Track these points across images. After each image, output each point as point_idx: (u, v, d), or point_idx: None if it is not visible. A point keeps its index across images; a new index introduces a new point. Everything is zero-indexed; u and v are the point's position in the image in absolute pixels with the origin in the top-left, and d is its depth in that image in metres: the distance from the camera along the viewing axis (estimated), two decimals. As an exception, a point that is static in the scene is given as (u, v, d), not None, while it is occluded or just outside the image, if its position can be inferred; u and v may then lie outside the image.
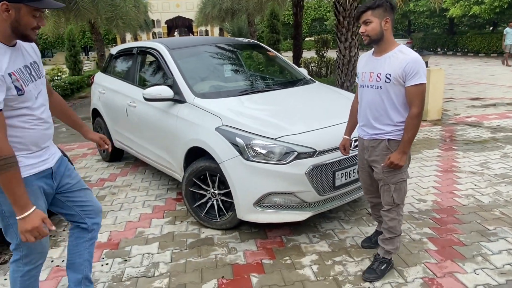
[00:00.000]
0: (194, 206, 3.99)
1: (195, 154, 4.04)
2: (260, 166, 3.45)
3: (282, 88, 4.64)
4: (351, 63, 8.85)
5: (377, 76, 2.84)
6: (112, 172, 5.83)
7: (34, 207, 2.05)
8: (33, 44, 2.32)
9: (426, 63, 8.95)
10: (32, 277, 2.41)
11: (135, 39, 33.44)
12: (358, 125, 3.11)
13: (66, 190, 2.48)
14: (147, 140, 4.73)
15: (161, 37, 41.71)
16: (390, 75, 2.76)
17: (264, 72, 5.49)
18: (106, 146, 2.86)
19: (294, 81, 4.99)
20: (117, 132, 5.60)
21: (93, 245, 2.70)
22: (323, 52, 14.32)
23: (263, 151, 3.46)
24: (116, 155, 6.20)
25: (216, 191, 3.84)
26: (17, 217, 2.03)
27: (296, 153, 3.44)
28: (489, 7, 22.94)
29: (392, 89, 2.79)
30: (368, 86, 2.93)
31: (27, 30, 2.08)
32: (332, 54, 15.33)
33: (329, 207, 3.66)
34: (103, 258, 3.54)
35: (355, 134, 3.35)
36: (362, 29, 2.80)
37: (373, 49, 2.96)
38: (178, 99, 4.17)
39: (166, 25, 45.85)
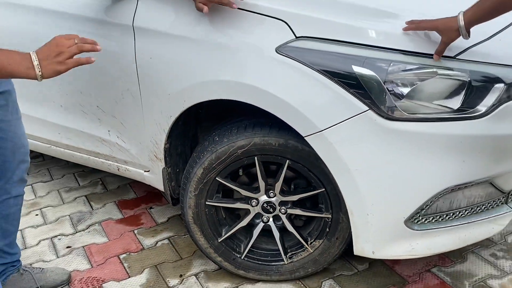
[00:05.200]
0: (220, 239, 1.67)
1: (197, 118, 1.74)
2: (424, 130, 1.34)
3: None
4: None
5: None
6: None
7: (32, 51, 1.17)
8: None
9: None
10: None
11: None
12: None
13: None
14: (44, 103, 1.92)
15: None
16: None
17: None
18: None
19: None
20: None
21: (6, 203, 1.58)
22: None
23: (419, 90, 1.35)
24: None
25: (276, 199, 1.59)
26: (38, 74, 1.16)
27: (502, 87, 1.39)
28: None
29: None
30: None
31: None
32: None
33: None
34: None
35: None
36: None
37: None
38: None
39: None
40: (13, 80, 1.46)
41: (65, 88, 1.85)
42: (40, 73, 1.15)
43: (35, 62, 1.14)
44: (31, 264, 1.80)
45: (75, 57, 1.20)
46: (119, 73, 1.65)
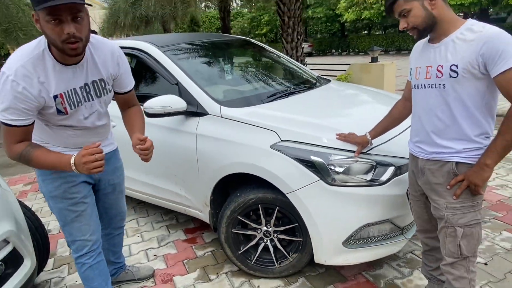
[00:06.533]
0: (240, 252, 2.78)
1: (228, 182, 2.87)
2: (351, 192, 2.38)
3: (309, 90, 3.47)
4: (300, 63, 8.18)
5: (437, 70, 1.88)
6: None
7: (73, 154, 1.85)
8: (117, 54, 2.08)
9: (376, 58, 8.49)
10: (85, 265, 2.26)
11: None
12: (410, 139, 2.15)
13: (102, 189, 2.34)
14: (146, 173, 3.29)
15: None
16: (457, 66, 1.80)
17: (276, 72, 4.22)
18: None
19: (311, 81, 3.84)
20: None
21: (113, 238, 2.64)
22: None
23: (348, 170, 2.41)
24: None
25: (271, 229, 2.70)
26: (73, 170, 1.83)
27: (393, 168, 2.45)
28: (377, 11, 24.04)
29: (463, 86, 1.82)
30: (425, 86, 1.96)
31: (57, 42, 1.73)
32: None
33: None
34: None
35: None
36: (402, 24, 1.88)
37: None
38: (195, 111, 2.92)
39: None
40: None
41: (158, 165, 3.12)
42: (76, 171, 1.81)
43: (73, 167, 1.81)
44: (133, 265, 2.99)
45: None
46: (187, 157, 2.89)
